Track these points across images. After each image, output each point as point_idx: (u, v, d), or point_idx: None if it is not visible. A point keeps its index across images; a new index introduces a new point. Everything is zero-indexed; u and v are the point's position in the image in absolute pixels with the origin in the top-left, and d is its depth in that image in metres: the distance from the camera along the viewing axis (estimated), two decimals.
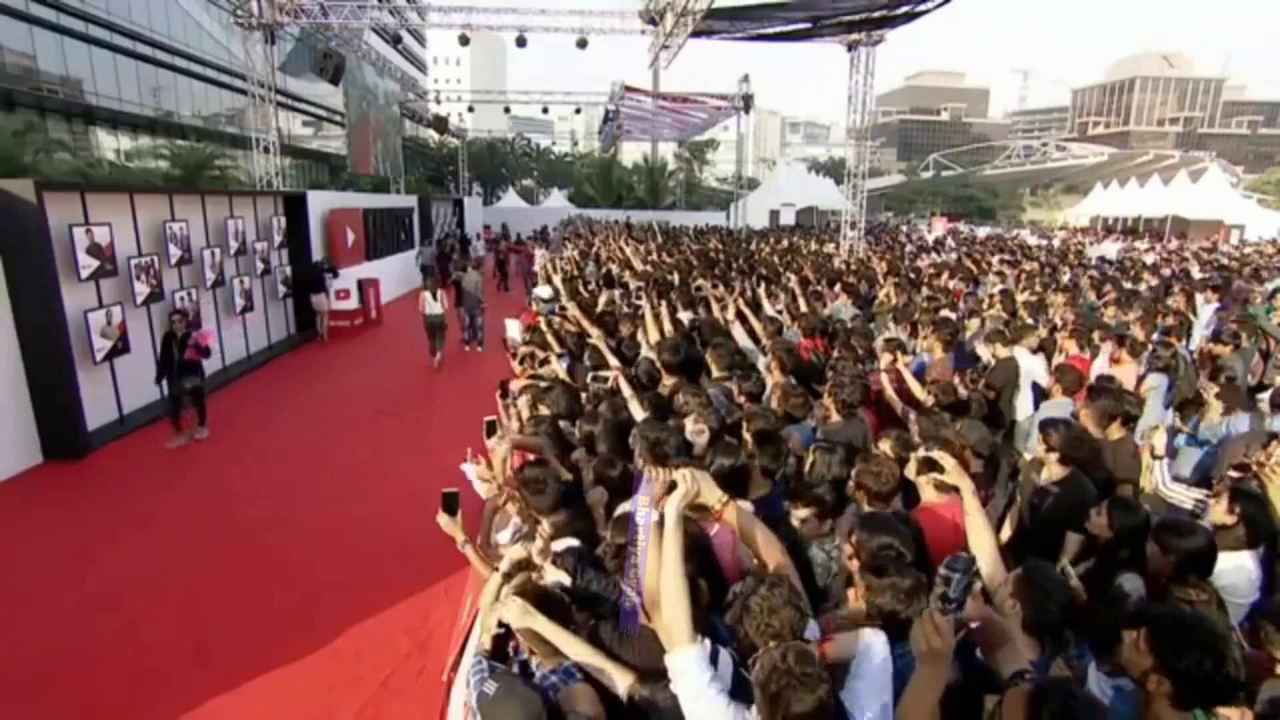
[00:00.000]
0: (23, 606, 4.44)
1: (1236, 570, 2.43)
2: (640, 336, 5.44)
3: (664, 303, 5.90)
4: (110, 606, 4.46)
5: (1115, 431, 3.67)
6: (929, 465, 2.57)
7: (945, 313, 6.99)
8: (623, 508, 2.56)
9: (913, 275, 10.44)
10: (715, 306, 6.29)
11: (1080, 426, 3.38)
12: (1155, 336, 6.03)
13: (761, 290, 7.21)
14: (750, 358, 5.02)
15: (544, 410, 3.78)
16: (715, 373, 4.43)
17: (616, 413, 3.46)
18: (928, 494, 2.67)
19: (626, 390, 3.77)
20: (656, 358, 4.38)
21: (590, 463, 2.94)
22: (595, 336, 5.17)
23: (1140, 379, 5.10)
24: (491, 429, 3.57)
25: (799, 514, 2.54)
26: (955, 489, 2.49)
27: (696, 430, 3.05)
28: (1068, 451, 3.07)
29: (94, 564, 4.98)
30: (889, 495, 2.64)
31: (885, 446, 2.98)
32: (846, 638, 1.83)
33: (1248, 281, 11.21)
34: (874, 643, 1.77)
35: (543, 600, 1.97)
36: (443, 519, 2.69)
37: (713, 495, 2.15)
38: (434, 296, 10.36)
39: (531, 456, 3.10)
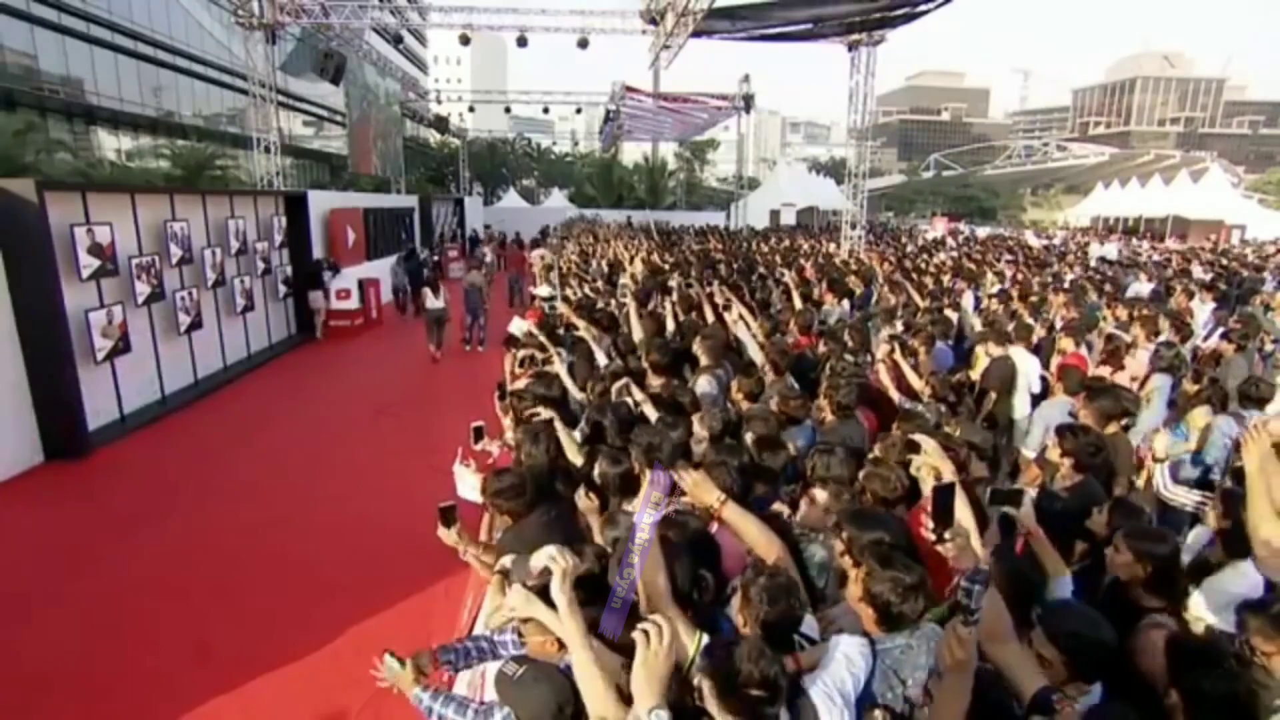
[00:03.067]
0: (23, 606, 4.44)
1: (1242, 578, 2.40)
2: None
3: (656, 302, 5.91)
4: (110, 606, 4.46)
5: (1111, 427, 3.68)
6: (911, 448, 2.59)
7: (948, 312, 6.99)
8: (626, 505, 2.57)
9: (914, 276, 10.44)
10: (710, 310, 6.29)
11: (1096, 433, 3.34)
12: (1161, 338, 6.02)
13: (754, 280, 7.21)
14: (744, 350, 5.03)
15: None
16: (704, 362, 4.44)
17: (616, 412, 3.46)
18: (928, 488, 2.67)
19: (639, 395, 3.76)
20: (644, 357, 4.38)
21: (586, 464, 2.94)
22: (582, 328, 5.20)
23: (1144, 380, 5.09)
24: (479, 435, 3.57)
25: (818, 495, 2.55)
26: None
27: (697, 439, 3.06)
28: (1082, 457, 3.04)
29: (94, 564, 4.98)
30: (896, 502, 2.65)
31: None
32: (815, 649, 1.86)
33: (1245, 285, 11.18)
34: (840, 642, 1.81)
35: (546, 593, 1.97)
36: (442, 533, 2.70)
37: (711, 496, 2.17)
38: (435, 293, 10.80)
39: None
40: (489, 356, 10.87)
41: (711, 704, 1.53)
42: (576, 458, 3.11)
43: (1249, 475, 2.48)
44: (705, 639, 1.75)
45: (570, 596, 1.68)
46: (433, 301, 10.86)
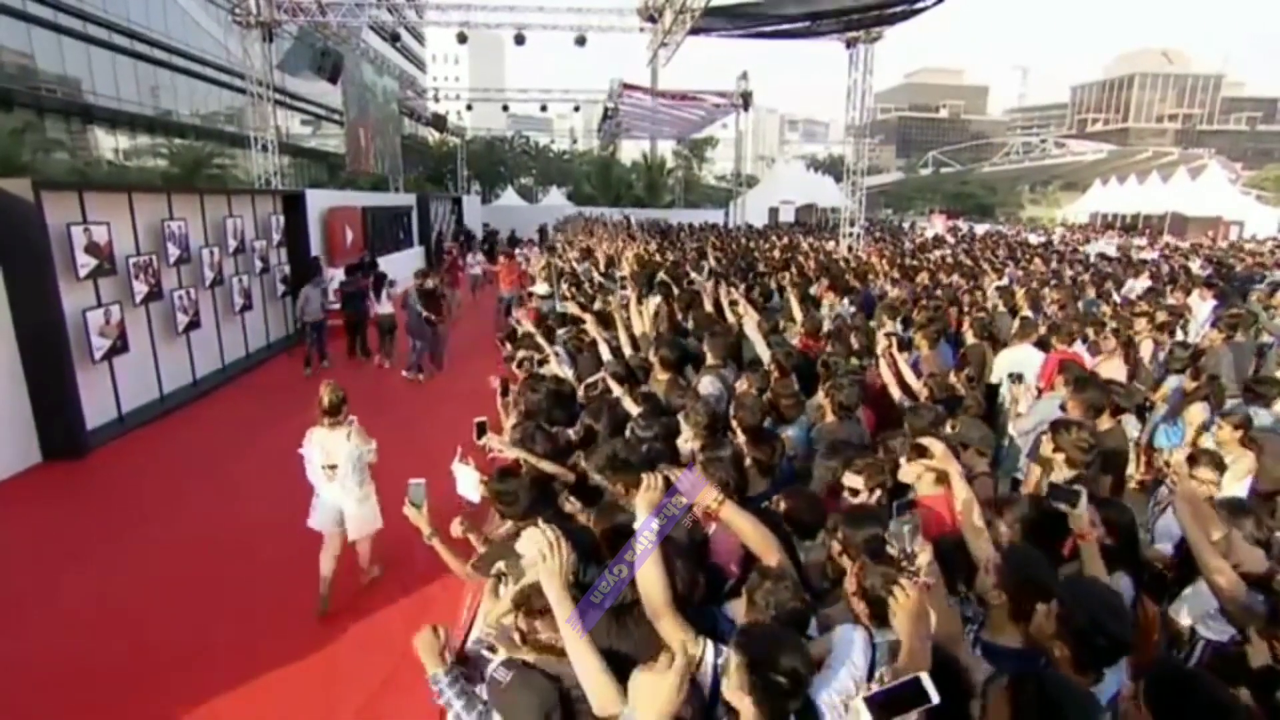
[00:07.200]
0: (22, 606, 4.44)
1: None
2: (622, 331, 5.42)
3: (655, 298, 5.90)
4: (110, 606, 4.46)
5: (1104, 422, 3.69)
6: (919, 452, 2.59)
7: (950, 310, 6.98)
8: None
9: (912, 274, 10.44)
10: (712, 302, 6.28)
11: (1089, 429, 3.31)
12: (1177, 338, 6.04)
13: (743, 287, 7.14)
14: (753, 349, 5.02)
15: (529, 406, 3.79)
16: (710, 360, 4.44)
17: (614, 412, 3.47)
18: (924, 488, 2.67)
19: (616, 389, 3.77)
20: (652, 353, 4.38)
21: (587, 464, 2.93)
22: (589, 322, 5.20)
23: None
24: (481, 430, 3.57)
25: (851, 481, 2.58)
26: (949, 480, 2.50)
27: (683, 440, 3.05)
28: (1075, 455, 3.03)
29: (94, 564, 4.98)
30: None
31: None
32: (819, 640, 1.85)
33: (1238, 281, 11.19)
34: (845, 634, 1.81)
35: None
36: (409, 511, 2.72)
37: (709, 496, 2.16)
38: (378, 299, 10.51)
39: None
40: (489, 359, 10.78)
41: (735, 680, 1.53)
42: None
43: (1186, 529, 2.36)
44: (709, 644, 1.75)
45: (560, 591, 1.68)
46: (380, 307, 10.48)
